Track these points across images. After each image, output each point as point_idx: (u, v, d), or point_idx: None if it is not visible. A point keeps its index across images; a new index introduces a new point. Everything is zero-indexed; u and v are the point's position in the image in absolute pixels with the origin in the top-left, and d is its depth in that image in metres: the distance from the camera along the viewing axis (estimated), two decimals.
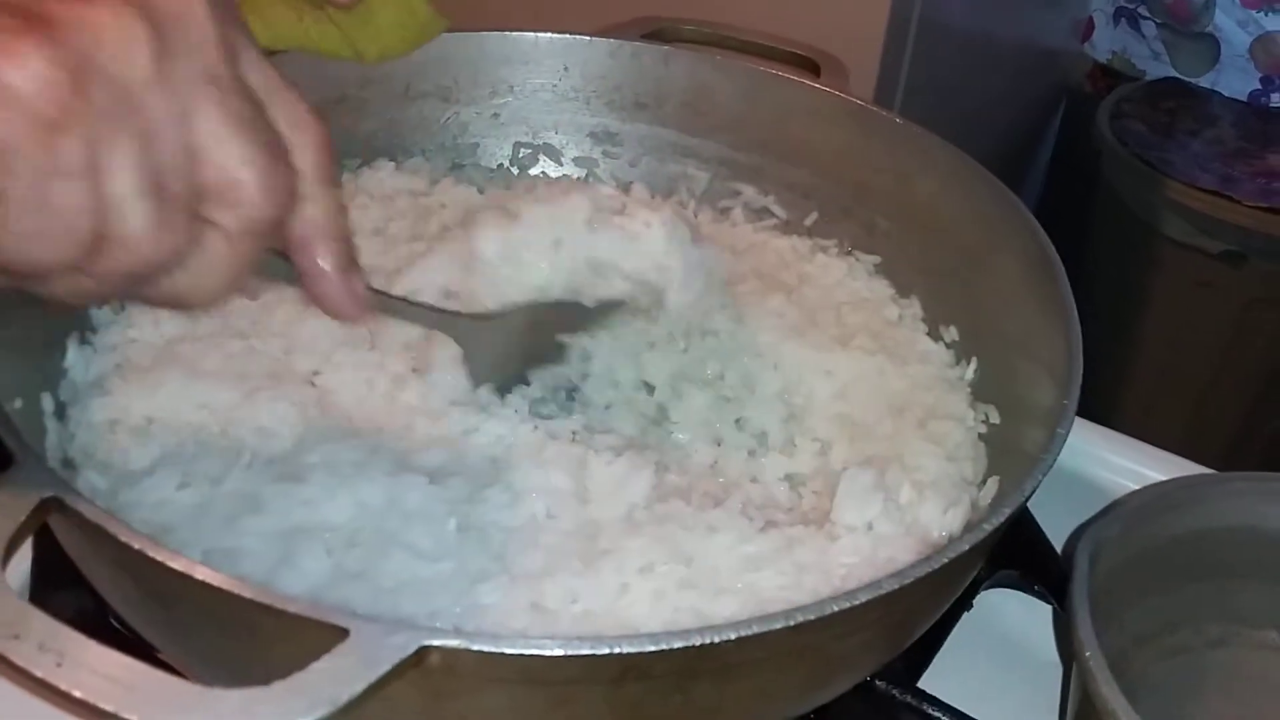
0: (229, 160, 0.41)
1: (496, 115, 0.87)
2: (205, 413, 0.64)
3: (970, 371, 0.72)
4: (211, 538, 0.57)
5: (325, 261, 0.47)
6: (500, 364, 0.65)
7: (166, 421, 0.63)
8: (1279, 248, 1.69)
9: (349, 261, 0.48)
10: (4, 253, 0.38)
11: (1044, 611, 0.70)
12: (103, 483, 0.61)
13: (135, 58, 0.38)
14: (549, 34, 0.86)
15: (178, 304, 0.44)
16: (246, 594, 0.43)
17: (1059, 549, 0.71)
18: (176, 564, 0.44)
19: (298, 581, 0.55)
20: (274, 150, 0.43)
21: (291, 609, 0.43)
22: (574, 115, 0.87)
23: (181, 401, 0.64)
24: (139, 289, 0.42)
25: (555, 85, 0.87)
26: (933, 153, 0.76)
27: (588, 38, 0.85)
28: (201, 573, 0.44)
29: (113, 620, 0.60)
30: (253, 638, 0.46)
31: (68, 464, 0.63)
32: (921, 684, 0.65)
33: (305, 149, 0.45)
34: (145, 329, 0.69)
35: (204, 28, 0.40)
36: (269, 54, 0.45)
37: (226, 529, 0.58)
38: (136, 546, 0.44)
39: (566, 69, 0.86)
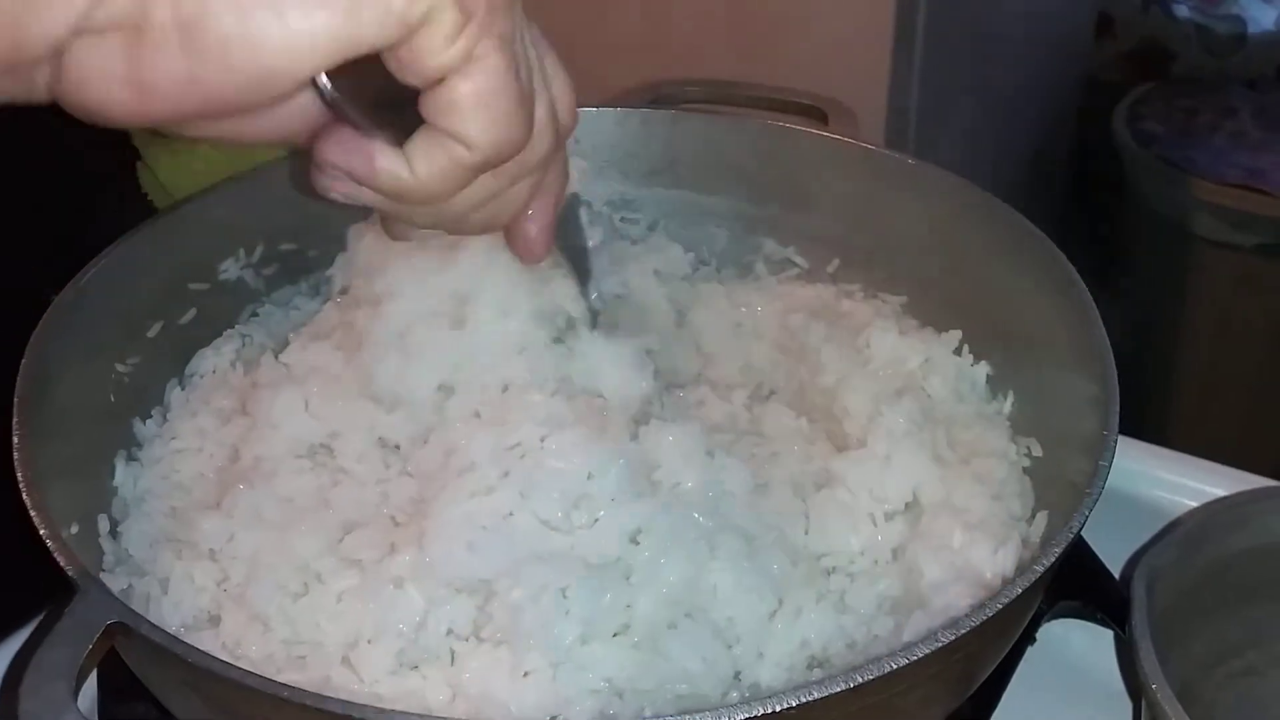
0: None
1: None
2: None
3: (1008, 405, 0.72)
4: (273, 643, 0.58)
5: (543, 214, 0.57)
6: None
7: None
8: None
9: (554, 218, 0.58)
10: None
11: (1110, 639, 0.69)
12: (160, 593, 0.62)
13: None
14: None
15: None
16: (333, 709, 0.43)
17: (1120, 573, 0.70)
18: (248, 681, 0.45)
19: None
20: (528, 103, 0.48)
21: None
22: (588, 185, 0.87)
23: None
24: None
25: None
26: (950, 191, 0.75)
27: (594, 109, 0.86)
28: (270, 687, 0.44)
29: None
30: None
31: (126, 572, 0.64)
32: None
33: (565, 113, 0.52)
34: (188, 438, 0.71)
35: None
36: None
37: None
38: (204, 666, 0.45)
39: (577, 141, 0.85)
